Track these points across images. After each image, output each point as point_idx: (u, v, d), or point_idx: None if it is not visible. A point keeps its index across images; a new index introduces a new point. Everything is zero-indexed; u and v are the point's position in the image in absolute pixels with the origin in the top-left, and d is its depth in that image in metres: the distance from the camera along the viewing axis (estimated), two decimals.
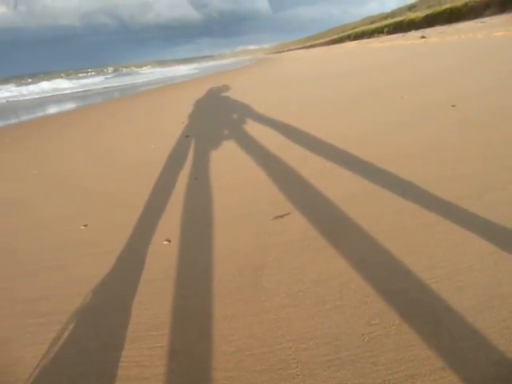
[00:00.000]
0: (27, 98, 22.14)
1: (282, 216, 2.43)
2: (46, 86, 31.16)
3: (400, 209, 2.27)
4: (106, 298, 1.90)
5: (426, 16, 34.21)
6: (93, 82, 33.14)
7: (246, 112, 6.50)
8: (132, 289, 1.95)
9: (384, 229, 2.08)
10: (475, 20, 25.30)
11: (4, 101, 20.86)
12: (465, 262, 1.69)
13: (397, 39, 23.06)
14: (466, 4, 30.01)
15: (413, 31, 30.90)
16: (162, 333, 1.59)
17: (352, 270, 1.77)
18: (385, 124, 4.24)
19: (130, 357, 1.49)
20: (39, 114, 12.45)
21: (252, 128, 5.20)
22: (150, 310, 1.76)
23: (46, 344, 1.65)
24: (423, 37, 20.67)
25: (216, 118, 6.51)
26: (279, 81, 12.35)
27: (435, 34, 20.65)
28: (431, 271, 1.66)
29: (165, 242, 2.37)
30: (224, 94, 9.88)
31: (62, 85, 31.53)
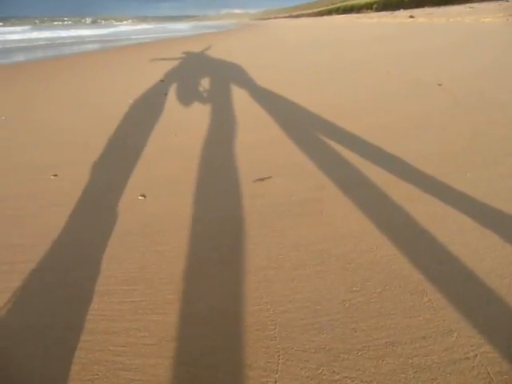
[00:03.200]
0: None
1: (263, 179, 2.35)
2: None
3: (383, 180, 2.24)
4: (74, 250, 1.80)
5: None
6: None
7: (230, 75, 6.31)
8: (103, 242, 1.85)
9: (366, 199, 2.04)
10: (464, 5, 25.26)
11: None
12: (447, 235, 1.67)
13: (385, 16, 22.84)
14: None
15: (401, 10, 30.65)
16: (133, 288, 1.52)
17: (333, 237, 1.74)
18: (370, 96, 4.18)
19: (98, 310, 1.41)
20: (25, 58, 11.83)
21: (235, 91, 5.05)
22: (122, 264, 1.67)
23: (8, 293, 1.55)
24: (411, 16, 20.52)
25: (199, 78, 6.28)
26: (265, 47, 12.04)
27: (424, 14, 20.52)
28: (413, 243, 1.64)
29: (140, 197, 2.27)
30: (210, 57, 9.56)
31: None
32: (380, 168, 2.40)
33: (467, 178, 2.19)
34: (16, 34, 32.02)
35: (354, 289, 1.40)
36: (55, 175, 2.71)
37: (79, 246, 1.83)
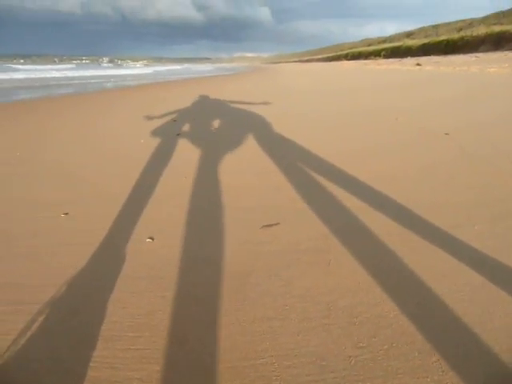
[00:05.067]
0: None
1: (270, 225, 2.37)
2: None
3: (389, 230, 2.24)
4: (80, 292, 1.80)
5: (423, 44, 34.93)
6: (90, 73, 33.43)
7: (240, 118, 6.46)
8: (109, 285, 1.86)
9: (373, 250, 2.04)
10: (469, 54, 25.96)
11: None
12: (455, 291, 1.65)
13: (393, 63, 23.49)
14: (462, 38, 30.80)
15: (409, 58, 31.52)
16: (138, 335, 1.51)
17: (340, 289, 1.73)
18: (378, 143, 4.25)
19: (102, 357, 1.40)
20: (33, 96, 12.22)
21: (245, 134, 5.16)
22: (128, 309, 1.67)
23: (13, 335, 1.55)
24: (418, 64, 21.06)
25: (209, 119, 6.45)
26: (275, 92, 12.36)
27: (430, 62, 21.08)
28: (420, 298, 1.62)
29: (147, 240, 2.29)
30: (219, 98, 9.83)
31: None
32: (386, 217, 2.40)
33: (475, 230, 2.18)
34: (57, 71, 34.46)
35: (361, 345, 1.38)
36: (66, 213, 2.75)
37: (86, 288, 1.83)
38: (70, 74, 30.92)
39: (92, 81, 21.17)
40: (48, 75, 27.45)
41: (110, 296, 1.77)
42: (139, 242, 2.28)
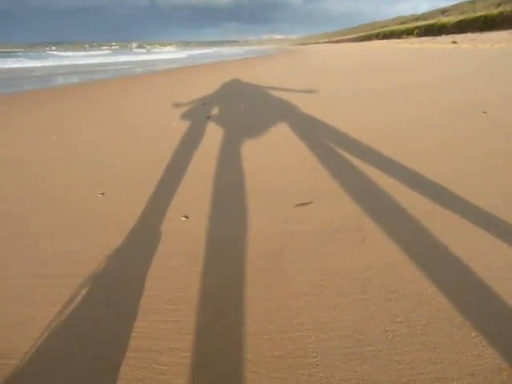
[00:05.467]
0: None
1: (304, 204, 2.37)
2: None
3: (425, 209, 2.20)
4: (119, 268, 1.87)
5: (459, 21, 33.44)
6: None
7: (271, 99, 6.42)
8: (147, 261, 1.92)
9: (409, 228, 2.02)
10: (507, 30, 24.62)
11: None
12: (495, 269, 1.62)
13: (427, 42, 22.62)
14: (501, 13, 29.26)
15: (443, 36, 30.26)
16: (176, 308, 1.56)
17: (376, 266, 1.72)
18: (413, 122, 4.14)
19: (142, 328, 1.46)
20: (65, 81, 12.55)
21: (277, 115, 5.13)
22: (165, 283, 1.72)
23: (58, 306, 1.63)
24: (454, 42, 20.23)
25: (239, 102, 6.44)
26: (305, 73, 12.18)
27: (466, 40, 20.18)
28: (459, 276, 1.60)
29: (182, 219, 2.34)
30: (249, 81, 9.78)
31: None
32: (422, 196, 2.36)
33: None
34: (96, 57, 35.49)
35: (398, 320, 1.38)
36: (102, 194, 2.84)
37: (125, 264, 1.90)
38: (108, 59, 31.50)
39: (129, 66, 21.55)
40: (88, 61, 28.06)
41: (148, 271, 1.82)
42: (174, 220, 2.33)
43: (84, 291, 1.71)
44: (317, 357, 1.25)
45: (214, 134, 4.35)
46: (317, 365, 1.21)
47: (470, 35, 25.84)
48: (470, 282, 1.56)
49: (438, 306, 1.43)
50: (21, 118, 6.14)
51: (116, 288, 1.72)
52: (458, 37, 25.30)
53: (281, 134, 4.19)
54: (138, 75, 15.43)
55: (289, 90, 7.36)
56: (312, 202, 2.39)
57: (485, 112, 4.28)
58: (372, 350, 1.25)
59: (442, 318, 1.37)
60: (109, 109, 6.76)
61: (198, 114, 5.59)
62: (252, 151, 3.60)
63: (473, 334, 1.28)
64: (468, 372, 1.14)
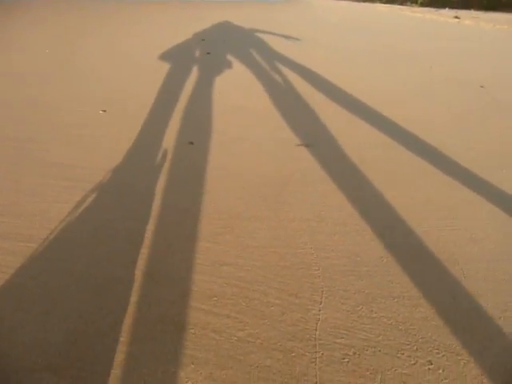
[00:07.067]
0: None
1: (306, 145, 2.45)
2: None
3: (419, 164, 2.32)
4: (126, 179, 1.94)
5: None
6: None
7: (274, 44, 6.31)
8: (155, 175, 1.99)
9: (403, 178, 2.14)
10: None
11: None
12: (481, 219, 1.77)
13: (429, 13, 22.14)
14: None
15: (447, 9, 29.67)
16: (184, 218, 1.65)
17: (374, 205, 1.84)
18: (412, 88, 4.20)
19: (155, 231, 1.55)
20: None
21: (277, 62, 5.09)
22: (175, 195, 1.81)
23: (70, 204, 1.70)
24: (457, 17, 19.92)
25: (241, 44, 6.32)
26: (308, 25, 11.88)
27: (469, 17, 19.88)
28: (449, 220, 1.74)
29: (188, 143, 2.39)
30: (251, 25, 9.50)
31: None
32: (416, 154, 2.47)
33: (502, 174, 2.26)
34: None
35: (392, 249, 1.52)
36: (104, 111, 2.84)
37: (131, 176, 1.97)
38: None
39: None
40: None
41: (157, 183, 1.90)
42: (179, 144, 2.38)
43: (95, 195, 1.78)
44: (318, 270, 1.38)
45: (214, 71, 4.31)
46: (319, 276, 1.35)
47: (473, 12, 25.43)
48: (458, 225, 1.71)
49: (428, 241, 1.58)
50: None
51: (126, 194, 1.80)
52: (461, 12, 24.82)
53: (282, 79, 4.18)
54: (150, 2, 14.71)
55: (292, 39, 7.22)
56: (313, 145, 2.47)
57: (482, 86, 4.38)
58: (368, 270, 1.39)
59: (430, 251, 1.52)
60: (110, 33, 6.51)
61: (200, 49, 5.47)
62: (255, 90, 3.62)
63: (456, 267, 1.44)
64: (451, 295, 1.30)
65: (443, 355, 1.06)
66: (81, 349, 1.03)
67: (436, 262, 1.46)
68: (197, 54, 5.21)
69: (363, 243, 1.54)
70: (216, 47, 5.76)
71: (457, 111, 3.41)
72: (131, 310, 1.15)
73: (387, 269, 1.40)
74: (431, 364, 1.04)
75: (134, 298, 1.20)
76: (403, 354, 1.06)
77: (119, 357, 1.01)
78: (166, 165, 2.11)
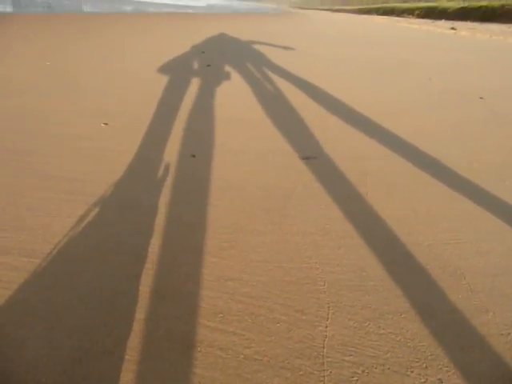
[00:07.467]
0: None
1: (310, 158, 2.46)
2: None
3: (420, 176, 2.32)
4: (131, 190, 1.94)
5: (461, 8, 33.11)
6: None
7: (272, 56, 6.36)
8: (158, 188, 1.99)
9: (407, 189, 2.14)
10: (507, 24, 24.64)
11: None
12: (485, 232, 1.77)
13: (426, 24, 22.43)
14: (503, 6, 29.15)
15: (443, 21, 29.99)
16: (188, 232, 1.64)
17: (378, 217, 1.84)
18: (411, 100, 4.22)
19: (159, 245, 1.54)
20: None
21: (277, 75, 5.12)
22: (179, 209, 1.80)
23: (73, 218, 1.69)
24: (453, 28, 20.15)
25: (240, 56, 6.36)
26: (306, 38, 12.01)
27: (465, 28, 20.11)
28: (453, 233, 1.74)
29: (191, 156, 2.39)
30: (249, 37, 9.58)
31: None
32: (419, 165, 2.48)
33: (505, 186, 2.26)
34: None
35: (397, 263, 1.51)
36: (105, 124, 2.85)
37: (134, 189, 1.97)
38: None
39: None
40: None
41: (160, 198, 1.90)
42: (181, 157, 2.38)
43: (98, 209, 1.77)
44: (324, 285, 1.37)
45: (214, 83, 4.33)
46: (324, 292, 1.34)
47: (469, 24, 25.71)
48: (463, 238, 1.70)
49: (432, 255, 1.57)
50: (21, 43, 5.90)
51: (130, 209, 1.79)
52: (458, 24, 25.10)
53: (283, 94, 4.21)
54: (147, 15, 14.85)
55: (289, 52, 7.28)
56: (316, 157, 2.48)
57: (481, 98, 4.40)
58: (375, 284, 1.38)
59: (436, 266, 1.51)
60: (115, 44, 6.55)
61: (199, 62, 5.50)
62: (254, 103, 3.63)
63: (463, 282, 1.43)
64: (451, 308, 1.29)
65: (453, 373, 1.05)
66: (86, 367, 1.01)
67: (442, 276, 1.45)
68: (197, 66, 5.25)
69: (368, 257, 1.53)
70: (216, 59, 5.80)
71: (457, 122, 3.43)
72: (137, 326, 1.14)
73: (394, 283, 1.39)
74: (441, 382, 1.02)
75: (139, 314, 1.19)
76: (412, 371, 1.05)
77: (125, 376, 0.99)
78: (169, 178, 2.11)
